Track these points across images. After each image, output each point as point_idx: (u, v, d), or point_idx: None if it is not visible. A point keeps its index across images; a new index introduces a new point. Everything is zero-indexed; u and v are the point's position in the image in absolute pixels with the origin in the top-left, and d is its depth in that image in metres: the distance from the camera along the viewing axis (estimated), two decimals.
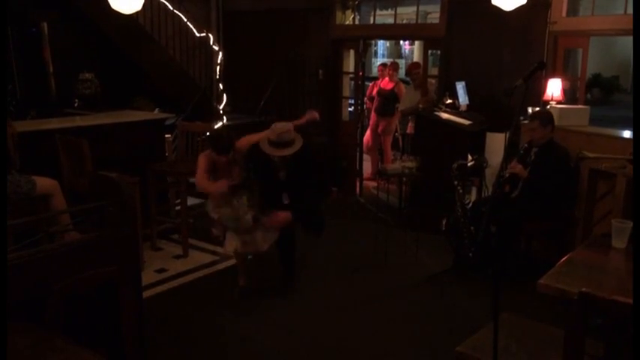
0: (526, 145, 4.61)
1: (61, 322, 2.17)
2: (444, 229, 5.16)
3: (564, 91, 5.66)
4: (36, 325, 2.10)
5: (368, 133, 7.83)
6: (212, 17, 8.03)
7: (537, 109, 5.47)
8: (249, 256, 4.42)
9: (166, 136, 6.00)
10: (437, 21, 6.77)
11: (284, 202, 4.11)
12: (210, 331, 3.72)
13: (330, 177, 4.35)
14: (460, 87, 6.00)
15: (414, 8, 7.02)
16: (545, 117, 4.51)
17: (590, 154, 4.39)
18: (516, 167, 4.44)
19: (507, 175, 4.41)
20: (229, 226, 4.12)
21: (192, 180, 5.03)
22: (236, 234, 4.10)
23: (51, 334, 2.06)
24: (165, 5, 7.35)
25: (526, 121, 4.80)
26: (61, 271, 2.29)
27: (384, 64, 8.56)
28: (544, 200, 4.34)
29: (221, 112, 7.66)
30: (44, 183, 3.83)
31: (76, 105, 6.83)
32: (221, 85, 7.83)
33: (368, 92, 8.35)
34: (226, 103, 7.76)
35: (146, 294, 3.94)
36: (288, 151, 3.93)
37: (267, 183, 4.14)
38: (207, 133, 4.08)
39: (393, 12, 7.74)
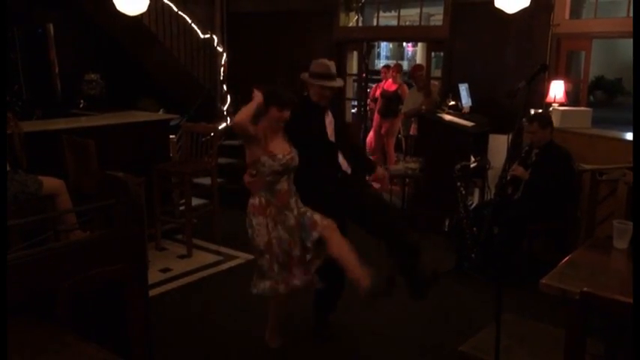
0: (527, 147, 4.64)
1: (70, 320, 2.20)
2: (446, 230, 5.20)
3: (567, 93, 5.69)
4: (45, 322, 2.14)
5: (371, 134, 7.84)
6: (216, 19, 8.06)
7: (540, 110, 5.50)
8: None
9: (171, 136, 6.04)
10: (440, 23, 6.81)
11: (339, 173, 3.47)
12: (213, 330, 3.75)
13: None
14: (463, 89, 6.03)
15: (418, 10, 7.07)
16: (544, 119, 4.55)
17: (588, 166, 4.41)
18: (518, 170, 4.47)
19: (509, 177, 4.44)
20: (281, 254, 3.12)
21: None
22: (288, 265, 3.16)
23: (60, 331, 2.09)
24: (170, 6, 7.39)
25: (526, 123, 4.83)
26: (70, 269, 2.32)
27: (387, 66, 8.59)
28: (546, 201, 4.37)
29: (225, 112, 7.70)
30: (50, 183, 3.87)
31: (81, 105, 6.88)
32: (225, 86, 7.86)
33: (371, 94, 8.38)
34: (230, 103, 7.78)
35: (150, 293, 3.92)
36: (339, 83, 3.37)
37: (316, 149, 3.36)
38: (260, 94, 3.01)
39: (396, 14, 7.78)
